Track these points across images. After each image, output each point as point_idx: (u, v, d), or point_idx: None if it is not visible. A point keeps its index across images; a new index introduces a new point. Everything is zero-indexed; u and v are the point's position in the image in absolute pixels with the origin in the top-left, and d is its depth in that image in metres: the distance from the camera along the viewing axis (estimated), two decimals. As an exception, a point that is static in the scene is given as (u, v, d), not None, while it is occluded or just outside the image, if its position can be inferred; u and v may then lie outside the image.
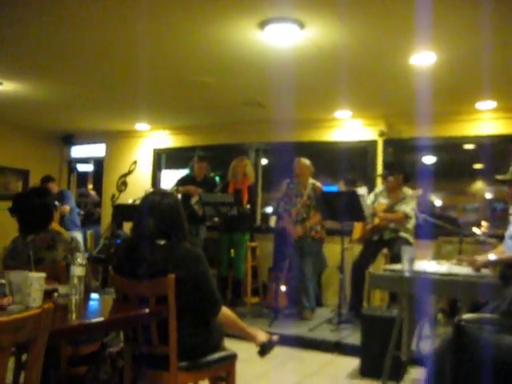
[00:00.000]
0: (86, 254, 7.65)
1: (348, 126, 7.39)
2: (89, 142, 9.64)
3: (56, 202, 3.47)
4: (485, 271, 3.12)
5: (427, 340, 4.38)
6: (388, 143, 7.15)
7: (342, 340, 5.07)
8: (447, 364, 1.33)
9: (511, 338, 1.26)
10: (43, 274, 2.34)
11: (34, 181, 8.53)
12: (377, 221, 5.61)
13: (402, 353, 3.53)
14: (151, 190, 5.37)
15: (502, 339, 1.26)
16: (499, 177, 3.34)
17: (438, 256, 4.78)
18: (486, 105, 6.18)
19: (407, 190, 5.70)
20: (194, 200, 6.55)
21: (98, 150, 9.59)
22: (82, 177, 10.45)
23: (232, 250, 6.52)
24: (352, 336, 5.09)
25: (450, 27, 4.03)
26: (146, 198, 2.94)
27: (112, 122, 8.34)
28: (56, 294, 2.63)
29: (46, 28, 4.42)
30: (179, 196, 6.46)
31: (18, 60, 5.36)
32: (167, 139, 8.87)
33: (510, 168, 3.28)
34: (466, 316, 1.35)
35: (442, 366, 1.37)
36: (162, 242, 2.78)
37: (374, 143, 7.21)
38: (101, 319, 2.48)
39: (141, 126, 8.55)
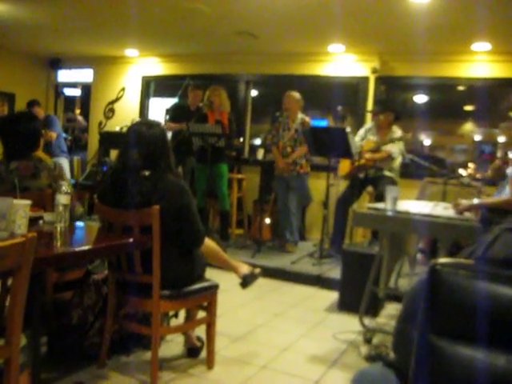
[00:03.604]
0: (72, 180, 7.64)
1: (341, 61, 7.29)
2: (76, 67, 9.42)
3: (42, 131, 3.40)
4: (467, 215, 3.17)
5: (406, 278, 4.50)
6: (380, 80, 7.08)
7: (322, 274, 5.19)
8: (420, 305, 1.37)
9: (484, 284, 1.29)
10: (28, 202, 2.34)
11: (20, 104, 8.38)
12: (363, 162, 5.62)
13: (379, 289, 3.63)
14: (138, 119, 5.30)
15: (474, 285, 1.30)
16: None
17: (423, 196, 4.84)
18: (482, 46, 6.08)
19: (396, 130, 5.68)
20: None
21: (85, 74, 9.38)
22: (70, 101, 10.26)
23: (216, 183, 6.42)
24: (333, 270, 5.20)
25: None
26: (132, 128, 2.92)
27: (100, 46, 8.12)
28: (41, 222, 2.65)
29: None
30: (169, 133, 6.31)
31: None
32: (156, 67, 8.69)
33: None
34: (442, 260, 1.38)
35: (415, 307, 1.41)
36: (147, 173, 2.78)
37: (365, 80, 7.14)
38: (85, 248, 2.51)
39: (130, 51, 8.35)
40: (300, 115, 6.16)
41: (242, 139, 7.60)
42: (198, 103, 6.55)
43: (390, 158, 5.56)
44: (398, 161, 5.66)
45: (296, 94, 6.17)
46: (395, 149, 5.55)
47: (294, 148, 6.11)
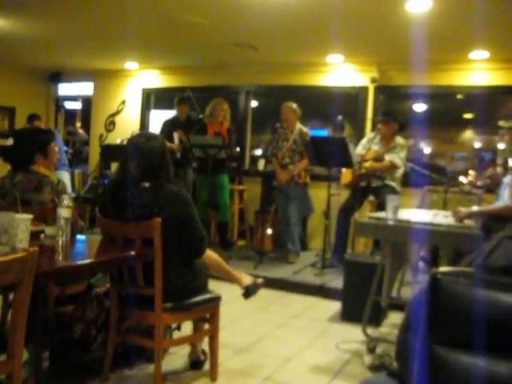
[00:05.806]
0: (73, 194, 7.65)
1: (340, 71, 7.31)
2: (76, 81, 9.45)
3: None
4: (468, 222, 3.17)
5: (408, 286, 4.49)
6: (379, 90, 7.11)
7: (325, 284, 5.18)
8: (421, 314, 1.37)
9: (484, 292, 1.29)
10: (30, 216, 2.35)
11: (21, 118, 8.41)
12: (363, 170, 5.62)
13: (381, 299, 3.62)
14: (137, 132, 5.34)
15: (475, 293, 1.30)
16: (503, 123, 3.35)
17: (423, 205, 4.84)
18: (479, 55, 6.11)
19: (399, 139, 5.69)
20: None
21: (85, 88, 9.41)
22: (70, 115, 10.30)
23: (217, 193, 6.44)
24: (335, 280, 5.19)
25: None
26: (131, 141, 2.93)
27: (100, 60, 8.16)
28: (43, 236, 2.66)
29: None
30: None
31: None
32: (156, 79, 8.73)
33: None
34: (443, 268, 1.38)
35: (417, 316, 1.41)
36: (147, 185, 2.79)
37: (365, 89, 7.17)
38: (87, 261, 2.51)
39: (130, 64, 8.38)
40: (298, 126, 6.18)
41: (238, 149, 7.58)
42: (187, 115, 6.78)
43: (393, 167, 5.57)
44: (401, 170, 5.66)
45: (292, 105, 6.18)
46: (398, 158, 5.56)
47: (293, 159, 6.12)
